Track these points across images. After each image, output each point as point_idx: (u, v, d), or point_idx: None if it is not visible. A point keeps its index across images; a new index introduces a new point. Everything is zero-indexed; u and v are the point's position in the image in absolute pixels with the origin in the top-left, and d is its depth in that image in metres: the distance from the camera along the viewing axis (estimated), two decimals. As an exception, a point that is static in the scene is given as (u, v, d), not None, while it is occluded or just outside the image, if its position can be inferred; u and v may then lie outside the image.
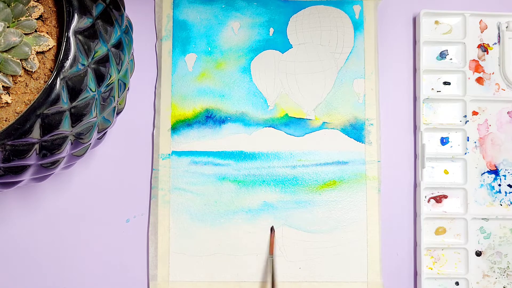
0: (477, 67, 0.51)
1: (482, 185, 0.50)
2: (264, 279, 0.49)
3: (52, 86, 0.33)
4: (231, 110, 0.51)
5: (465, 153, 0.51)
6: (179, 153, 0.50)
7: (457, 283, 0.50)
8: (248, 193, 0.50)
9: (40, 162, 0.36)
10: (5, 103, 0.35)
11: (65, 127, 0.35)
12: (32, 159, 0.35)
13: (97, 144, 0.43)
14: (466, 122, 0.51)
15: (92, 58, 0.35)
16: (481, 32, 0.52)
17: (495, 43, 0.52)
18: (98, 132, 0.39)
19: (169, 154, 0.50)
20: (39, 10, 0.36)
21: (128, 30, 0.40)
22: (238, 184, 0.50)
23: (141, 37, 0.51)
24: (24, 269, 0.49)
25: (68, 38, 0.34)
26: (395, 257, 0.51)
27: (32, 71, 0.35)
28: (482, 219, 0.50)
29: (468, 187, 0.50)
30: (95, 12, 0.36)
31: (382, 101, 0.52)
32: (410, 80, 0.52)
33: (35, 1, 0.36)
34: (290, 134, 0.51)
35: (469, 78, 0.51)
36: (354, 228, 0.50)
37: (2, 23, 0.33)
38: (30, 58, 0.35)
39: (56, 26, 0.36)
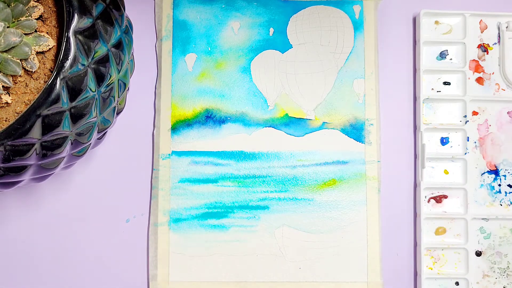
0: (477, 67, 0.51)
1: (482, 185, 0.50)
2: (264, 279, 0.49)
3: (52, 86, 0.33)
4: (231, 110, 0.51)
5: (465, 153, 0.51)
6: (179, 153, 0.50)
7: (457, 283, 0.50)
8: (248, 193, 0.50)
9: (40, 162, 0.36)
10: (5, 103, 0.35)
11: (65, 127, 0.35)
12: (32, 159, 0.35)
13: (97, 144, 0.43)
14: (466, 122, 0.51)
15: (92, 58, 0.35)
16: (481, 32, 0.52)
17: (495, 43, 0.52)
18: (98, 132, 0.39)
19: (169, 154, 0.50)
20: (39, 10, 0.36)
21: (128, 30, 0.40)
22: (238, 184, 0.50)
23: (141, 37, 0.51)
24: (24, 269, 0.49)
25: (68, 38, 0.34)
26: (395, 257, 0.51)
27: (32, 71, 0.35)
28: (482, 219, 0.50)
29: (468, 187, 0.50)
30: (95, 12, 0.36)
31: (382, 101, 0.52)
32: (410, 80, 0.52)
33: (35, 1, 0.36)
34: (290, 134, 0.51)
35: (469, 78, 0.51)
36: (354, 228, 0.50)
37: (2, 23, 0.33)
38: (30, 58, 0.35)
39: (56, 26, 0.36)
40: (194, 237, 0.49)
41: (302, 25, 0.51)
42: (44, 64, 0.35)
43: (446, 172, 0.51)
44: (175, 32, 0.51)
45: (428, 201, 0.50)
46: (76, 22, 0.34)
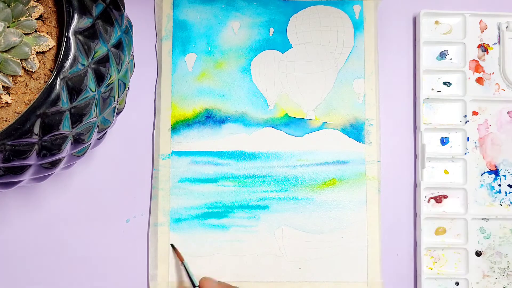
0: (477, 67, 0.51)
1: (482, 185, 0.50)
2: (264, 279, 0.49)
3: (52, 86, 0.33)
4: (231, 110, 0.51)
5: (465, 153, 0.51)
6: (179, 153, 0.50)
7: (457, 283, 0.50)
8: (248, 193, 0.50)
9: (40, 162, 0.36)
10: (5, 103, 0.35)
11: (65, 127, 0.35)
12: (32, 159, 0.35)
13: (97, 144, 0.43)
14: (466, 122, 0.51)
15: (92, 58, 0.35)
16: (481, 32, 0.52)
17: (495, 43, 0.52)
18: (98, 132, 0.39)
19: (169, 154, 0.50)
20: (39, 10, 0.36)
21: (128, 30, 0.40)
22: (238, 184, 0.50)
23: (141, 37, 0.51)
24: (24, 268, 0.49)
25: (68, 38, 0.34)
26: (395, 257, 0.51)
27: (32, 71, 0.35)
28: (482, 219, 0.50)
29: (468, 187, 0.50)
30: (95, 12, 0.36)
31: (382, 101, 0.52)
32: (410, 80, 0.52)
33: (35, 1, 0.36)
34: (290, 134, 0.51)
35: (469, 78, 0.51)
36: (354, 228, 0.50)
37: (2, 23, 0.33)
38: (30, 58, 0.35)
39: (56, 26, 0.36)
40: (194, 237, 0.49)
41: (302, 25, 0.51)
42: (44, 64, 0.35)
43: (446, 172, 0.51)
44: (175, 32, 0.51)
45: (428, 201, 0.50)
46: (76, 22, 0.34)
